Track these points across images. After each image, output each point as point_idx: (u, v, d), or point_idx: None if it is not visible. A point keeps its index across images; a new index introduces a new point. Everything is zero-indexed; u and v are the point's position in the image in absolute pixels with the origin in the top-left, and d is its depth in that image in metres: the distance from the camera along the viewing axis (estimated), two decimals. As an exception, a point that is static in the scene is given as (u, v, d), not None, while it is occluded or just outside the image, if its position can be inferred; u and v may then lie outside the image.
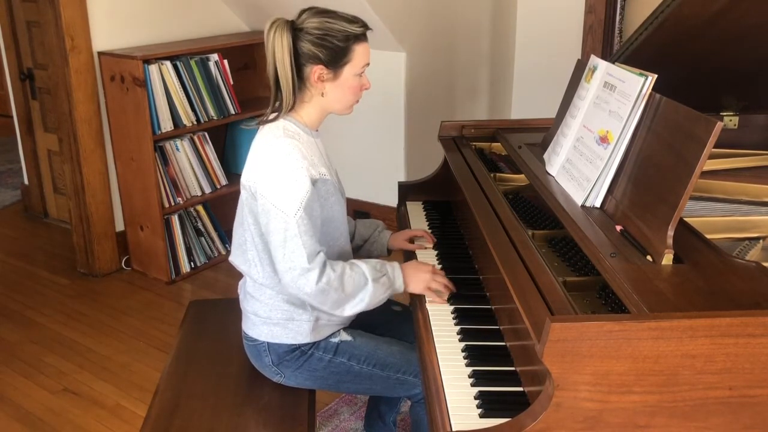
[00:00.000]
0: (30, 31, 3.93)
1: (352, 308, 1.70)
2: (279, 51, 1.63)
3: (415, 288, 1.74)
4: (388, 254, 2.05)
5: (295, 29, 1.65)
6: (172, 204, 3.43)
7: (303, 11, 1.68)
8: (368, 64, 1.72)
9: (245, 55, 3.95)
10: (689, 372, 1.11)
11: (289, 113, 1.72)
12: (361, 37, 1.69)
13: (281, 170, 1.63)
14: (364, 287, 1.68)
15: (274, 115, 1.72)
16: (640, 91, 1.52)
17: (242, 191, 1.74)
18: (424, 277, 1.75)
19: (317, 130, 1.78)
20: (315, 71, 1.67)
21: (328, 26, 1.64)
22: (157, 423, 1.69)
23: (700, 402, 1.13)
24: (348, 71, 1.69)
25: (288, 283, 1.64)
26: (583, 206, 1.60)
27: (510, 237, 1.58)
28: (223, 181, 3.67)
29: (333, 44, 1.65)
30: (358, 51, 1.68)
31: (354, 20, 1.68)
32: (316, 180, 1.67)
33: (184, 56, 3.40)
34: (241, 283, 1.89)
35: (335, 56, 1.66)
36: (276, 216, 1.62)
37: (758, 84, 1.97)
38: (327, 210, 1.72)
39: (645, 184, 1.46)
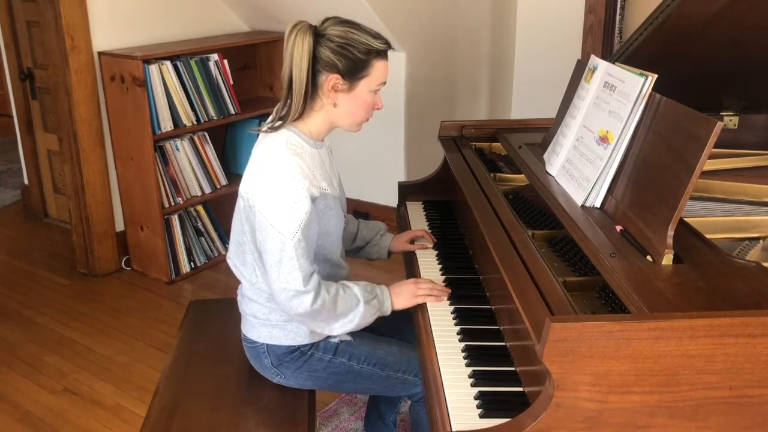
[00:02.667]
0: (30, 31, 3.92)
1: (341, 327, 1.70)
2: (298, 54, 1.61)
3: (404, 303, 1.74)
4: (389, 257, 2.05)
5: (316, 35, 1.63)
6: (172, 204, 3.43)
7: (327, 19, 1.66)
8: (384, 83, 1.70)
9: (245, 55, 3.95)
10: (689, 372, 1.11)
11: (295, 122, 1.69)
12: (382, 54, 1.66)
13: (281, 191, 1.60)
14: (356, 308, 1.69)
15: (278, 123, 1.70)
16: (640, 91, 1.52)
17: (239, 199, 1.72)
18: (407, 289, 1.75)
19: (323, 140, 1.76)
20: (330, 80, 1.64)
21: (351, 36, 1.62)
22: (157, 423, 1.69)
23: (700, 402, 1.13)
24: (363, 85, 1.66)
25: (282, 302, 1.64)
26: (583, 206, 1.60)
27: (510, 237, 1.58)
28: (223, 181, 3.67)
29: (353, 55, 1.62)
30: (377, 67, 1.66)
31: (378, 36, 1.66)
32: (316, 197, 1.65)
33: (184, 56, 3.40)
34: (240, 286, 1.89)
35: (354, 67, 1.63)
36: (273, 236, 1.60)
37: (758, 84, 1.97)
38: (324, 224, 1.71)
39: (645, 184, 1.46)
